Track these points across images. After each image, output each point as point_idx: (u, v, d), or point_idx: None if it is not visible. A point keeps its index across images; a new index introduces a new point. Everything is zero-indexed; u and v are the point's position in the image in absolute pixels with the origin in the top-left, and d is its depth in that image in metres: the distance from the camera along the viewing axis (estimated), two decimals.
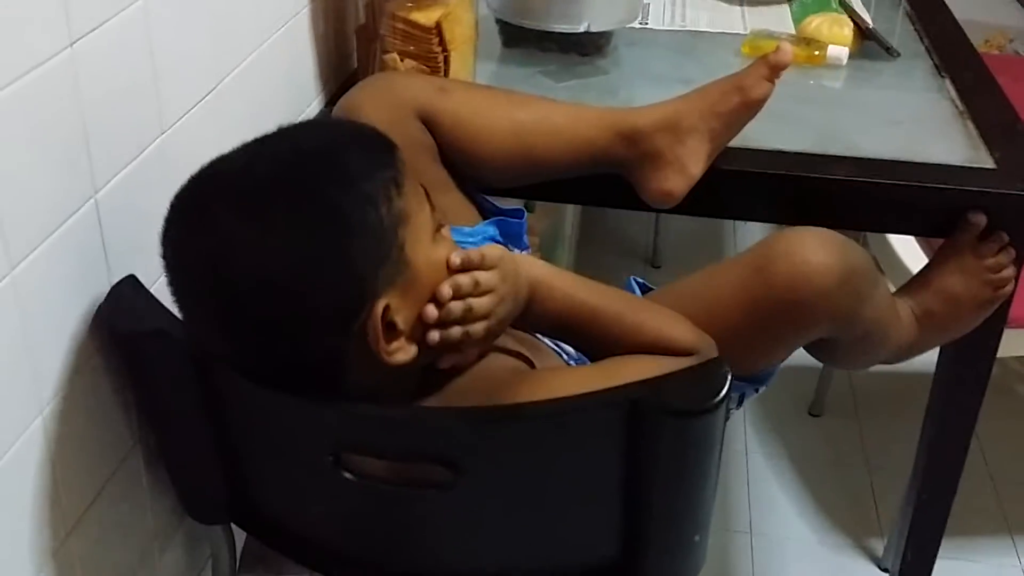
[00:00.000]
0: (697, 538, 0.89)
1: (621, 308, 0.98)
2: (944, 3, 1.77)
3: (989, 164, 1.28)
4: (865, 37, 1.57)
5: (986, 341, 1.31)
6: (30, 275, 0.81)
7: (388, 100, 1.17)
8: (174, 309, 0.88)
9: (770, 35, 1.56)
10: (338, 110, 1.19)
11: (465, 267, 0.87)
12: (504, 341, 0.96)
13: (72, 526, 0.91)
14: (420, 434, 0.87)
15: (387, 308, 0.83)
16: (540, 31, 1.46)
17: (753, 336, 1.08)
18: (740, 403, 1.18)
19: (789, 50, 1.17)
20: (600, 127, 1.19)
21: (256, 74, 1.18)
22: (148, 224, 0.86)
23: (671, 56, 1.55)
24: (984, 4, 2.68)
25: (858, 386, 2.11)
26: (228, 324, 0.84)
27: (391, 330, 0.84)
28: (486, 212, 1.23)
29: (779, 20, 1.68)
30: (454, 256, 0.87)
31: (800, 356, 1.17)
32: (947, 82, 1.48)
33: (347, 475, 0.86)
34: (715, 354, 0.97)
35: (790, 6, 1.72)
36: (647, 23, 1.64)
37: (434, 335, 0.86)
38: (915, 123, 1.39)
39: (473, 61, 1.40)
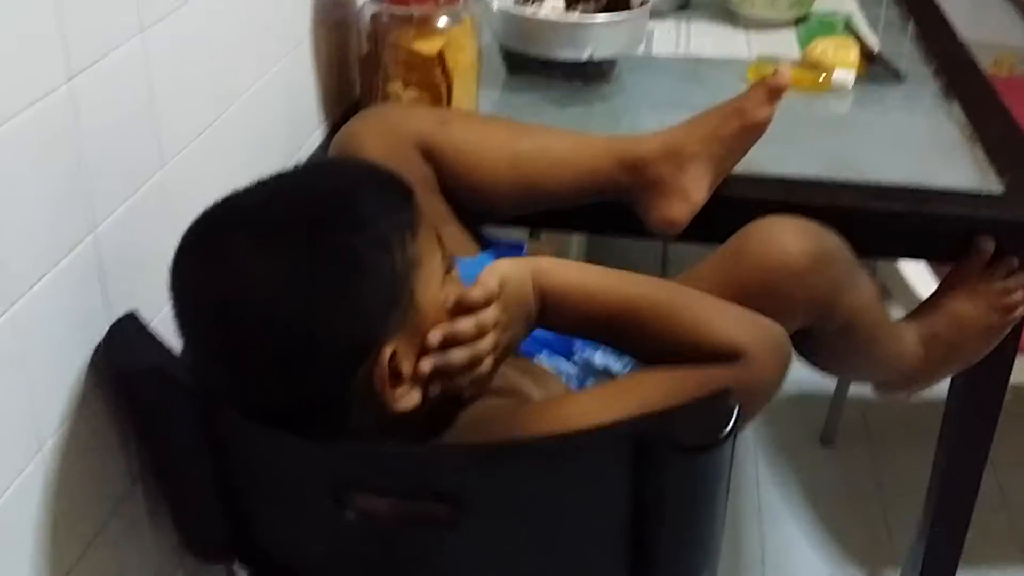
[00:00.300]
0: (706, 574, 0.88)
1: (657, 302, 0.91)
2: (951, 25, 1.76)
3: (998, 189, 1.26)
4: (871, 60, 1.56)
5: (998, 367, 1.29)
6: (29, 311, 0.80)
7: (388, 132, 1.17)
8: (175, 346, 0.87)
9: (775, 60, 1.56)
10: (337, 141, 1.19)
11: (462, 308, 0.85)
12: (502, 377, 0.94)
13: (71, 565, 0.90)
14: (422, 471, 0.85)
15: (394, 354, 0.82)
16: (544, 59, 1.46)
17: None
18: None
19: (787, 73, 1.16)
20: (602, 156, 1.18)
21: (257, 105, 1.18)
22: (148, 259, 0.85)
23: (675, 83, 1.54)
24: (993, 25, 2.67)
25: (870, 414, 2.09)
26: (233, 359, 0.83)
27: (396, 376, 0.83)
28: (487, 244, 1.22)
29: (785, 44, 1.67)
30: (452, 298, 0.86)
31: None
32: (955, 105, 1.47)
33: (350, 514, 0.85)
34: (765, 356, 0.90)
35: (796, 30, 1.72)
36: (651, 50, 1.64)
37: (435, 388, 0.85)
38: (922, 147, 1.38)
39: (476, 89, 1.40)
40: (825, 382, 1.79)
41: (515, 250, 1.21)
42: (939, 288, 1.27)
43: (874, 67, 1.56)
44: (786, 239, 1.03)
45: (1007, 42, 2.75)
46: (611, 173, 1.18)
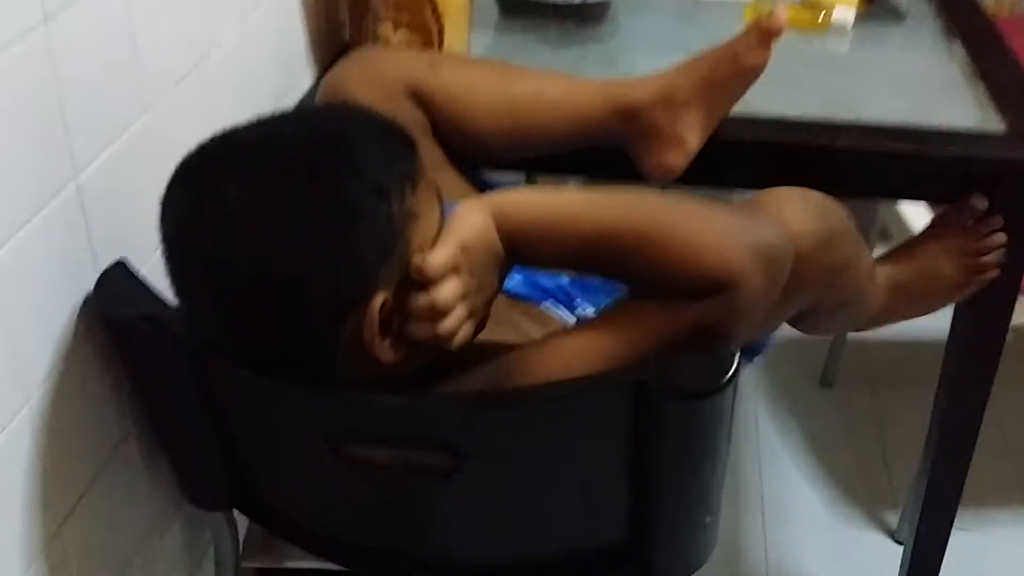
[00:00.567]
0: (708, 520, 0.87)
1: (636, 229, 0.85)
2: None
3: (1000, 128, 1.25)
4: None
5: (999, 308, 1.28)
6: (10, 260, 0.79)
7: (377, 77, 1.15)
8: (166, 294, 0.86)
9: (774, 0, 1.53)
10: (324, 87, 1.17)
11: (425, 280, 0.81)
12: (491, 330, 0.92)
13: (65, 516, 0.89)
14: (420, 421, 0.85)
15: (385, 303, 0.81)
16: (538, 1, 1.43)
17: None
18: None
19: (783, 15, 1.13)
20: (596, 102, 1.17)
21: (243, 48, 1.15)
22: (133, 206, 0.83)
23: (672, 24, 1.52)
24: None
25: (869, 355, 2.09)
26: (224, 301, 0.81)
27: (386, 327, 0.82)
28: (481, 188, 1.21)
29: None
30: (417, 266, 0.81)
31: None
32: (956, 44, 1.45)
33: (347, 462, 0.84)
34: (758, 278, 0.84)
35: None
36: None
37: (423, 350, 0.84)
38: (923, 87, 1.36)
39: (468, 31, 1.37)
40: None
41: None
42: (919, 235, 1.26)
43: (874, 6, 1.54)
44: (792, 221, 0.97)
45: None
46: (605, 120, 1.17)
